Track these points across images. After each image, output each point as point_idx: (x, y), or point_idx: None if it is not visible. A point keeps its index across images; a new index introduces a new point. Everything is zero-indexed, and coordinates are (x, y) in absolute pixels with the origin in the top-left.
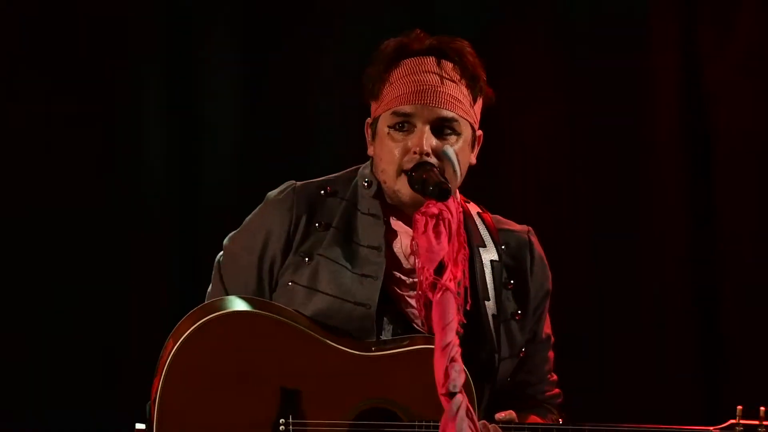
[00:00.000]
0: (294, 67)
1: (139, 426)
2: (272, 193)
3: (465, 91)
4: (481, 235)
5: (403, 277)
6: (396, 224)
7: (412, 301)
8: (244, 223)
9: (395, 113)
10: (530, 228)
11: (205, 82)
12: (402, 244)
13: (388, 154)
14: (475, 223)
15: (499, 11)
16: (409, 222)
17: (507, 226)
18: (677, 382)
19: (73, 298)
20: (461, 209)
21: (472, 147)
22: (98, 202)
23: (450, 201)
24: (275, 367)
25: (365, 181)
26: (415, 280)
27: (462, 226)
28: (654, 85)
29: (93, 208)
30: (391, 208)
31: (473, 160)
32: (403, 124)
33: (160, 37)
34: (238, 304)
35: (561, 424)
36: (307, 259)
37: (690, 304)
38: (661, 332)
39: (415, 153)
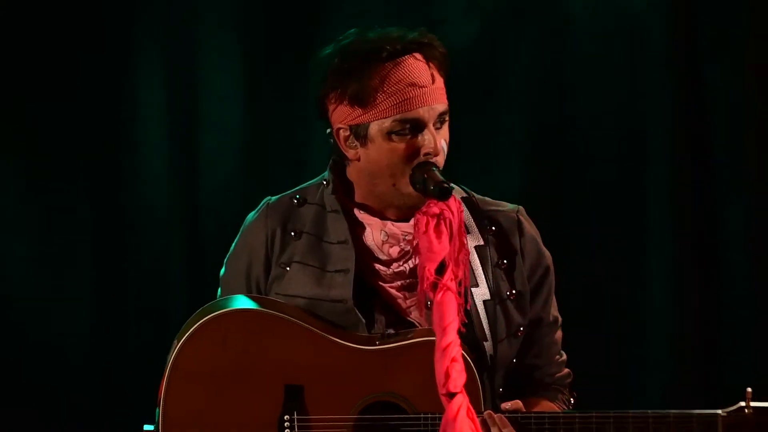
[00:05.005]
0: (294, 67)
1: (148, 427)
2: (250, 215)
3: (441, 78)
4: (465, 222)
5: (381, 268)
6: (363, 216)
7: (395, 292)
8: (231, 246)
9: (401, 120)
10: (520, 207)
11: (206, 81)
12: (373, 236)
13: (394, 158)
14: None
15: (499, 9)
16: (374, 213)
17: (495, 207)
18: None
19: (75, 301)
20: (462, 208)
21: None
22: (98, 200)
23: (451, 200)
24: (278, 364)
25: (324, 181)
26: (395, 270)
27: (463, 226)
28: (653, 85)
29: (92, 205)
30: (353, 201)
31: None
32: (411, 128)
33: (161, 37)
34: (241, 302)
35: (568, 412)
36: (288, 269)
37: (689, 305)
38: (659, 335)
39: (428, 154)
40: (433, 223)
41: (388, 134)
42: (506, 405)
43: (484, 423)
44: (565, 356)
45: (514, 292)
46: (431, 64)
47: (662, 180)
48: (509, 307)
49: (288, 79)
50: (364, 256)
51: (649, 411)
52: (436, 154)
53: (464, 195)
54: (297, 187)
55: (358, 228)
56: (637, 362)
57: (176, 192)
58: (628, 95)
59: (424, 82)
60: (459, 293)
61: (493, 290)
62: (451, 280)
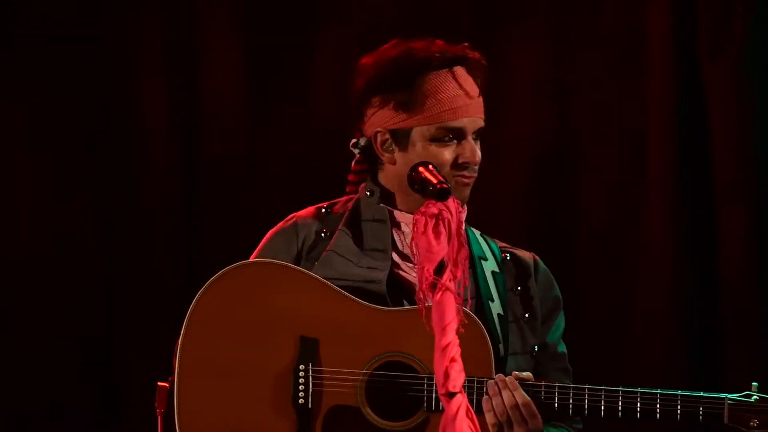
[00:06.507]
0: (294, 66)
1: (161, 384)
2: (275, 227)
3: (481, 93)
4: (483, 250)
5: (413, 267)
6: (402, 216)
7: None
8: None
9: (443, 128)
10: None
11: (207, 77)
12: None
13: (435, 163)
14: (477, 241)
15: (499, 11)
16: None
17: (510, 245)
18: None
19: (72, 299)
20: (461, 210)
21: None
22: (98, 201)
23: (450, 201)
24: (296, 316)
25: (367, 192)
26: None
27: (462, 226)
28: (653, 85)
29: (92, 206)
30: (392, 205)
31: None
32: (453, 136)
33: (162, 36)
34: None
35: (578, 385)
36: (317, 262)
37: (689, 306)
38: (658, 335)
39: (466, 162)
40: (431, 223)
41: (430, 140)
42: (517, 374)
43: (494, 386)
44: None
45: (527, 315)
46: (476, 79)
47: (662, 180)
48: (524, 327)
49: (290, 76)
50: (397, 255)
51: (658, 389)
52: (475, 164)
53: (481, 233)
54: (322, 202)
55: (395, 229)
56: (636, 363)
57: (177, 190)
58: (628, 96)
59: (470, 94)
60: (458, 293)
61: (506, 310)
62: (450, 280)
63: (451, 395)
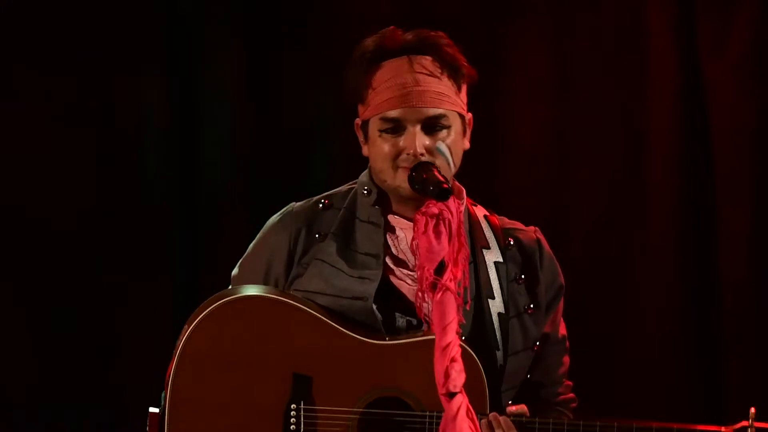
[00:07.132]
0: (295, 66)
1: (153, 410)
2: (273, 218)
3: (448, 82)
4: (485, 237)
5: (410, 273)
6: (396, 221)
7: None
8: (247, 249)
9: (383, 119)
10: (537, 228)
11: (206, 81)
12: (407, 239)
13: (382, 155)
14: (480, 225)
15: (499, 9)
16: (407, 218)
17: (514, 226)
18: (674, 386)
19: (73, 296)
20: (463, 210)
21: (464, 133)
22: (98, 201)
23: (450, 201)
24: (288, 352)
25: (364, 189)
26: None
27: (462, 226)
28: (653, 85)
29: (92, 205)
30: (391, 210)
31: (467, 145)
32: (393, 127)
33: (161, 37)
34: (254, 290)
35: (572, 422)
36: (305, 273)
37: (689, 306)
38: (659, 335)
39: (408, 154)
40: (432, 223)
41: (380, 131)
42: (511, 408)
43: (488, 425)
44: (571, 383)
45: (531, 306)
46: (429, 65)
47: (662, 179)
48: (526, 320)
49: (290, 76)
50: (392, 260)
51: (654, 423)
52: (415, 154)
53: (486, 213)
54: (323, 194)
55: (389, 233)
56: (636, 363)
57: (176, 191)
58: (627, 95)
59: (412, 83)
60: (458, 293)
61: (508, 305)
62: (451, 280)
63: (452, 395)
